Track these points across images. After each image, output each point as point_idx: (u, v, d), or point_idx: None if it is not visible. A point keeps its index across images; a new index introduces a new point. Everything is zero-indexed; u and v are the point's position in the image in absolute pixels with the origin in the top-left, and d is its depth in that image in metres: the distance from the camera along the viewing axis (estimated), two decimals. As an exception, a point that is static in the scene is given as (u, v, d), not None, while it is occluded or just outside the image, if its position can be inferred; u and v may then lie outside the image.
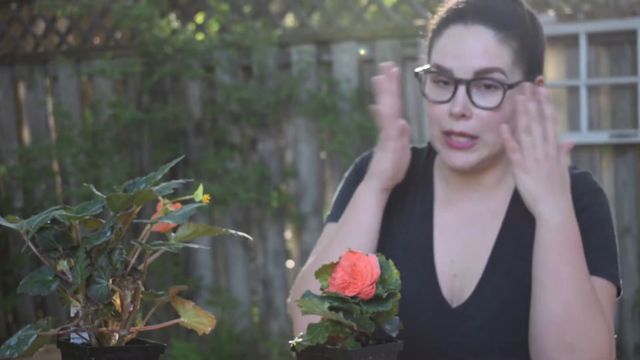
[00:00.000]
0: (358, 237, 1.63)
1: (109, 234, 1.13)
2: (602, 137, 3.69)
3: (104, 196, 1.15)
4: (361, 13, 4.20)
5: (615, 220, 3.73)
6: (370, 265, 1.17)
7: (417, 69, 1.64)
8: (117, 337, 1.16)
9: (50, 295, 1.14)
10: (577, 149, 3.79)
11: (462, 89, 1.55)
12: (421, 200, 1.70)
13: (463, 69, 1.55)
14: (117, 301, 1.16)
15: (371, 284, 1.16)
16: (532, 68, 1.61)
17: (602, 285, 1.56)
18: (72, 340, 1.16)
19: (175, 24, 4.37)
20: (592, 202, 1.61)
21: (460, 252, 1.64)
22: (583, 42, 3.67)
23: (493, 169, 1.66)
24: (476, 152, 1.58)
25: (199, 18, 4.58)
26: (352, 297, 1.16)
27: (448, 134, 1.58)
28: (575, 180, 1.59)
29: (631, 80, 3.65)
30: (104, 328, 1.15)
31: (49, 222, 1.15)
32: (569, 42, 3.75)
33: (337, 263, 1.20)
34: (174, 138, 4.44)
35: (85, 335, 1.15)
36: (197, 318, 1.18)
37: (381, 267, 1.19)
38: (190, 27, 4.46)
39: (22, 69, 4.89)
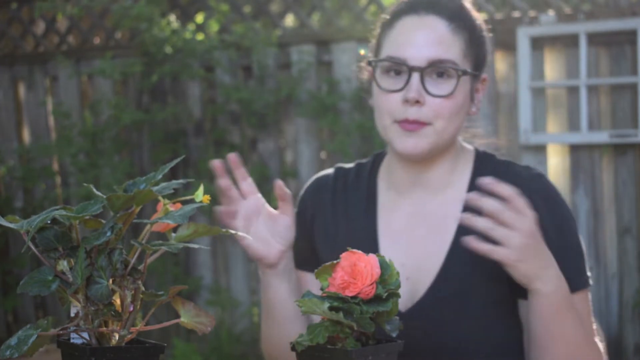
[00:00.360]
0: (279, 325, 1.70)
1: (109, 234, 1.13)
2: (602, 137, 3.69)
3: (104, 196, 1.15)
4: (361, 13, 4.20)
5: (615, 220, 3.77)
6: (370, 265, 1.17)
7: (371, 59, 1.67)
8: (117, 337, 1.16)
9: (50, 295, 1.14)
10: (577, 149, 3.79)
11: (416, 76, 1.57)
12: (365, 208, 1.71)
13: (417, 58, 1.57)
14: (117, 301, 1.16)
15: (371, 284, 1.16)
16: (478, 65, 1.64)
17: (582, 298, 1.60)
18: (72, 340, 1.16)
19: (175, 24, 4.37)
20: (549, 212, 1.59)
21: (411, 255, 1.64)
22: (583, 42, 3.67)
23: (439, 166, 1.66)
24: (426, 137, 1.59)
25: (199, 18, 4.58)
26: (352, 297, 1.16)
27: (401, 122, 1.59)
28: (526, 188, 1.56)
29: (631, 80, 3.65)
30: (104, 328, 1.15)
31: (49, 222, 1.15)
32: (569, 42, 3.74)
33: (337, 263, 1.20)
34: (174, 138, 4.44)
35: (85, 335, 1.15)
36: (197, 318, 1.18)
37: (381, 267, 1.19)
38: (190, 27, 4.46)
39: (22, 69, 4.89)
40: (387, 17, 1.67)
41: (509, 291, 1.60)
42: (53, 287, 1.13)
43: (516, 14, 3.87)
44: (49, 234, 1.15)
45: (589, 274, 1.63)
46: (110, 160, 4.43)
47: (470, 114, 1.67)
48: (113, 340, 1.16)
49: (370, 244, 1.67)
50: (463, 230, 1.59)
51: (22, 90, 4.96)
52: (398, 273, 1.20)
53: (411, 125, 1.58)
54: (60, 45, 4.82)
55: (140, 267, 1.16)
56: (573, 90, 3.76)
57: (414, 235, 1.65)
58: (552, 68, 3.82)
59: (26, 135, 5.00)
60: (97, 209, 1.14)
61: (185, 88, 4.45)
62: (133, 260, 1.16)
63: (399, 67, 1.59)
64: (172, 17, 4.43)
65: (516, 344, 1.64)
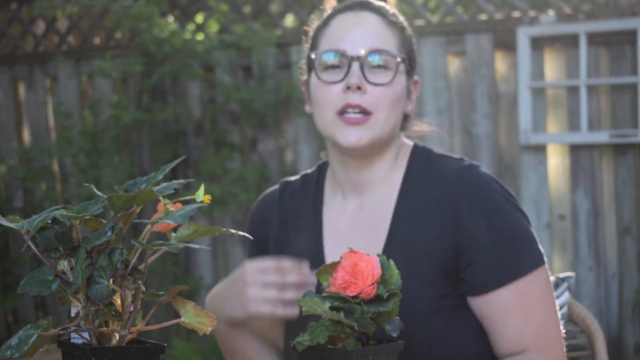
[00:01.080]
0: None
1: (109, 234, 1.13)
2: (602, 137, 3.69)
3: (105, 196, 1.15)
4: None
5: (615, 220, 3.77)
6: (371, 265, 1.17)
7: (305, 56, 1.72)
8: (117, 337, 1.16)
9: (51, 295, 1.14)
10: (577, 149, 3.80)
11: (356, 65, 1.61)
12: (312, 215, 1.73)
13: (355, 48, 1.62)
14: (118, 301, 1.16)
15: (372, 284, 1.16)
16: (411, 63, 1.69)
17: (530, 280, 1.55)
18: (72, 340, 1.16)
19: (174, 25, 4.36)
20: (472, 209, 1.57)
21: None
22: (583, 42, 3.67)
23: (380, 164, 1.67)
24: (369, 129, 1.61)
25: (199, 18, 4.58)
26: (353, 297, 1.16)
27: (343, 111, 1.61)
28: (450, 187, 1.57)
29: (631, 80, 3.65)
30: (105, 328, 1.15)
31: (49, 222, 1.15)
32: (569, 42, 3.74)
33: (338, 263, 1.20)
34: (174, 138, 4.44)
35: (86, 335, 1.15)
36: (197, 318, 1.18)
37: (382, 267, 1.19)
38: (190, 27, 4.46)
39: (22, 69, 4.89)
40: (320, 22, 1.74)
41: (453, 288, 1.59)
42: (53, 287, 1.13)
43: (516, 14, 3.87)
44: (50, 233, 1.15)
45: (540, 251, 1.58)
46: (110, 161, 4.43)
47: (407, 112, 1.70)
48: (113, 340, 1.16)
49: (316, 248, 1.69)
50: (396, 226, 1.61)
51: (22, 90, 4.96)
52: (399, 273, 1.20)
53: (355, 118, 1.60)
54: (60, 45, 4.82)
55: (141, 267, 1.16)
56: (573, 90, 3.76)
57: (355, 234, 1.68)
58: (552, 68, 3.82)
59: (26, 135, 5.00)
60: (97, 209, 1.14)
61: (185, 88, 4.45)
62: (133, 260, 1.16)
63: (337, 60, 1.63)
64: (171, 19, 4.43)
65: (469, 340, 1.61)
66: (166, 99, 4.50)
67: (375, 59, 1.62)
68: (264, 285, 1.57)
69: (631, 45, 3.66)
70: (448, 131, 3.96)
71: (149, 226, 1.20)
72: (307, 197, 1.76)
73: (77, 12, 4.52)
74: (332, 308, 1.16)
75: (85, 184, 1.33)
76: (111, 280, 1.14)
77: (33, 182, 4.74)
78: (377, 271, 1.17)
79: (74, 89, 4.74)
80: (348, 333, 1.17)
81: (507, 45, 3.86)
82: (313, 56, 1.68)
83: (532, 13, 3.83)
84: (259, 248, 1.78)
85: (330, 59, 1.64)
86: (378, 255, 1.20)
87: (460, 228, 1.55)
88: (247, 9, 4.44)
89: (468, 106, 3.94)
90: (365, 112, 1.60)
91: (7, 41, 4.99)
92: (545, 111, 3.83)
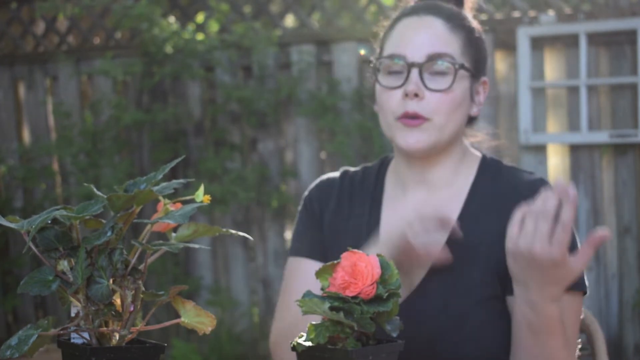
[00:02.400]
0: None
1: (109, 233, 1.13)
2: (602, 137, 3.70)
3: (105, 196, 1.15)
4: (361, 13, 4.20)
5: (615, 220, 3.77)
6: (370, 265, 1.17)
7: (372, 58, 1.71)
8: (117, 337, 1.16)
9: (51, 295, 1.14)
10: (577, 149, 3.80)
11: (415, 71, 1.63)
12: (370, 206, 1.74)
13: (416, 54, 1.63)
14: (118, 301, 1.16)
15: (372, 284, 1.16)
16: (477, 66, 1.69)
17: (571, 300, 1.57)
18: (72, 340, 1.16)
19: (175, 25, 4.37)
20: None
21: None
22: (583, 42, 3.67)
23: (443, 165, 1.69)
24: (427, 132, 1.63)
25: (199, 18, 4.58)
26: (353, 297, 1.16)
27: (402, 117, 1.63)
28: (521, 197, 1.56)
29: (631, 80, 3.65)
30: (105, 328, 1.15)
31: (49, 222, 1.15)
32: (569, 42, 3.75)
33: (338, 263, 1.20)
34: (174, 138, 4.44)
35: (86, 335, 1.15)
36: (197, 318, 1.18)
37: (382, 267, 1.19)
38: (190, 27, 4.46)
39: (22, 69, 4.89)
40: (388, 24, 1.74)
41: (501, 289, 1.61)
42: (53, 287, 1.13)
43: (516, 14, 3.87)
44: (50, 234, 1.15)
45: (586, 282, 1.62)
46: (110, 160, 4.43)
47: (471, 115, 1.71)
48: (113, 340, 1.16)
49: (371, 238, 1.69)
50: (460, 226, 1.61)
51: (22, 90, 4.95)
52: (398, 273, 1.20)
53: (412, 120, 1.63)
54: (60, 45, 4.81)
55: (141, 267, 1.16)
56: (573, 90, 3.77)
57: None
58: (552, 68, 3.82)
59: (26, 135, 5.00)
60: (97, 209, 1.14)
61: (185, 88, 4.45)
62: (133, 260, 1.16)
63: (398, 65, 1.64)
64: (172, 20, 4.43)
65: (500, 340, 1.62)
66: (166, 99, 4.50)
67: (435, 65, 1.63)
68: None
69: (631, 45, 3.66)
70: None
71: (149, 226, 1.20)
72: (367, 187, 1.77)
73: (77, 12, 4.52)
74: (331, 308, 1.16)
75: (85, 184, 1.33)
76: (111, 280, 1.14)
77: (33, 182, 4.74)
78: (377, 271, 1.17)
79: (74, 89, 4.74)
80: (348, 333, 1.17)
81: (507, 45, 3.86)
82: (377, 60, 1.69)
83: (532, 13, 3.83)
84: (313, 220, 1.78)
85: (391, 64, 1.66)
86: (378, 255, 1.20)
87: None
88: (247, 9, 4.44)
89: (468, 106, 3.94)
90: (423, 118, 1.63)
91: (7, 41, 4.99)
92: (545, 111, 3.83)
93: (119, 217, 1.15)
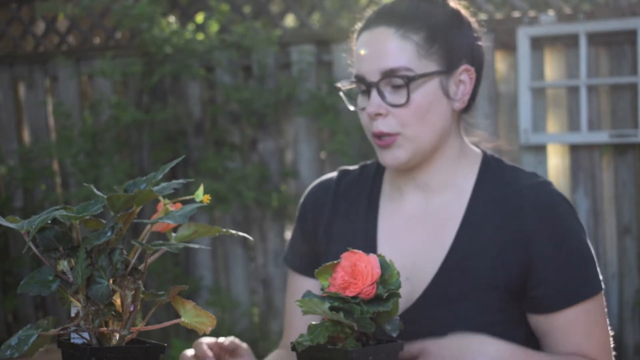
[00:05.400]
0: None
1: (109, 234, 1.13)
2: (602, 137, 3.69)
3: (105, 196, 1.15)
4: (361, 13, 4.19)
5: (615, 220, 3.76)
6: (370, 266, 1.17)
7: (340, 86, 1.69)
8: (117, 337, 1.16)
9: (51, 295, 1.14)
10: (577, 149, 3.80)
11: (374, 91, 1.60)
12: (366, 208, 1.72)
13: (372, 72, 1.61)
14: (118, 301, 1.16)
15: (372, 284, 1.16)
16: (450, 57, 1.61)
17: (592, 304, 1.57)
18: (72, 340, 1.16)
19: (175, 25, 4.36)
20: (542, 224, 1.57)
21: (411, 255, 1.63)
22: (583, 42, 3.67)
23: (439, 167, 1.66)
24: (401, 147, 1.61)
25: (199, 18, 4.58)
26: (353, 297, 1.16)
27: (373, 137, 1.63)
28: (520, 199, 1.57)
29: (631, 80, 3.65)
30: (105, 328, 1.15)
31: (49, 222, 1.15)
32: (569, 42, 3.74)
33: (338, 263, 1.20)
34: (174, 138, 4.44)
35: (86, 335, 1.15)
36: (197, 318, 1.18)
37: (382, 267, 1.19)
38: (190, 27, 4.46)
39: (22, 69, 4.89)
40: (354, 39, 1.72)
41: (516, 302, 1.59)
42: (53, 287, 1.13)
43: (516, 14, 3.87)
44: (50, 234, 1.15)
45: (600, 278, 1.60)
46: (110, 161, 4.43)
47: (455, 109, 1.65)
48: (113, 340, 1.16)
49: (368, 245, 1.67)
50: (464, 232, 1.59)
51: (22, 90, 4.96)
52: (398, 273, 1.20)
53: (382, 140, 1.61)
54: (60, 45, 4.82)
55: (141, 267, 1.16)
56: (573, 90, 3.76)
57: (413, 236, 1.65)
58: (552, 68, 3.82)
59: (26, 136, 5.00)
60: (97, 209, 1.14)
61: (185, 88, 4.45)
62: (133, 260, 1.16)
63: (361, 86, 1.63)
64: (171, 20, 4.43)
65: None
66: (166, 99, 4.50)
67: (392, 80, 1.59)
68: None
69: (631, 45, 3.66)
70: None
71: (149, 226, 1.20)
72: (365, 187, 1.75)
73: (77, 13, 4.52)
74: (331, 308, 1.16)
75: (85, 184, 1.33)
76: (111, 280, 1.14)
77: (33, 182, 4.74)
78: (377, 271, 1.17)
79: (74, 89, 4.74)
80: (348, 333, 1.17)
81: (507, 45, 3.86)
82: (342, 84, 1.68)
83: (532, 13, 3.83)
84: (306, 232, 1.77)
85: (356, 85, 1.65)
86: (378, 255, 1.20)
87: (529, 244, 1.55)
88: (247, 9, 4.44)
89: (468, 106, 3.94)
90: (391, 135, 1.60)
91: (7, 41, 4.99)
92: (545, 111, 3.83)
93: (119, 217, 1.15)
